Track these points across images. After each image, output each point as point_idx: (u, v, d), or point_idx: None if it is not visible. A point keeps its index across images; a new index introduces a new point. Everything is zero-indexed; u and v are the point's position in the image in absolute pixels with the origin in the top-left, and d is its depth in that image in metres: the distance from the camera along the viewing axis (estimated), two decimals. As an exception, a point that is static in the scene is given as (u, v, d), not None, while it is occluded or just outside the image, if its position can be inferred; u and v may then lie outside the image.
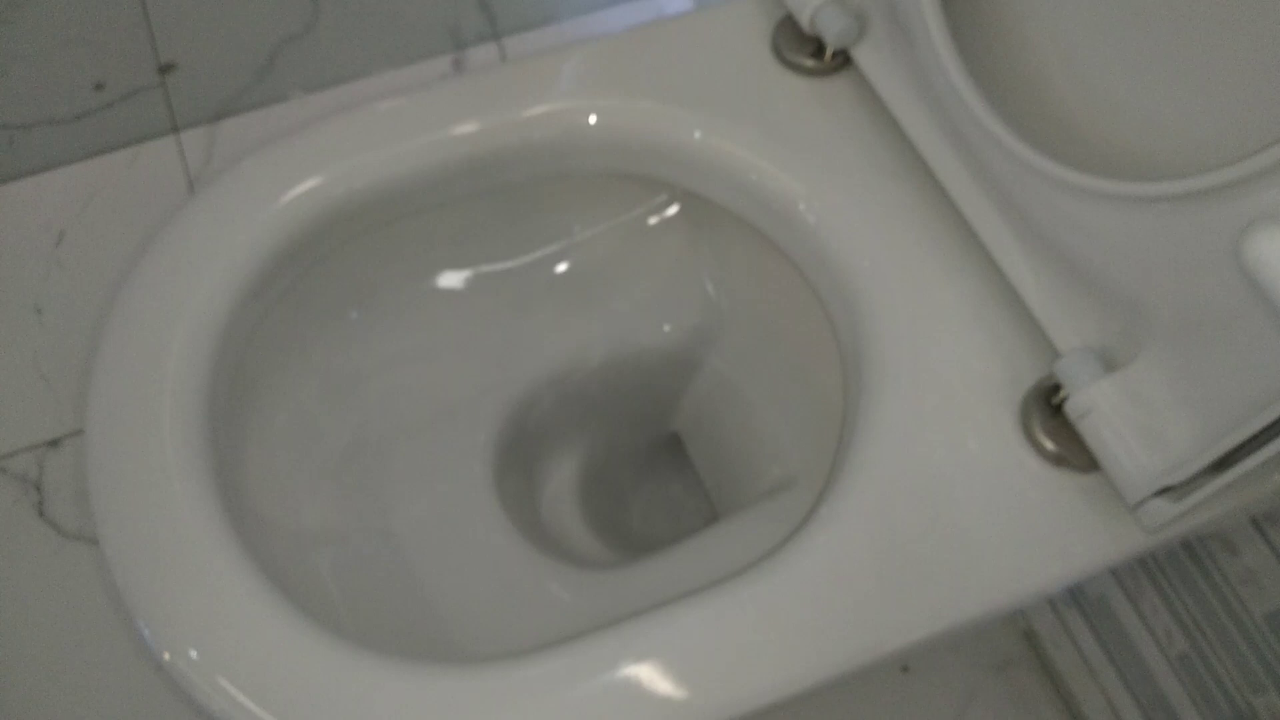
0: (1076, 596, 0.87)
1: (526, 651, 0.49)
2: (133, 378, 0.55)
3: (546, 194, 0.69)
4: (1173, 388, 0.49)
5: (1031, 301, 0.56)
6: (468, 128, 0.61)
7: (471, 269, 0.71)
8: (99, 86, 1.14)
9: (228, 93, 1.13)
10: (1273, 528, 0.66)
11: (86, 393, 0.55)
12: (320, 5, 1.19)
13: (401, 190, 0.61)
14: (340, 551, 0.64)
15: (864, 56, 0.63)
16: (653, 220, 0.73)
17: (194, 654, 0.49)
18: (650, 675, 0.48)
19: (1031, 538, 0.53)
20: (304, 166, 0.60)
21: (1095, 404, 0.51)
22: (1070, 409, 0.52)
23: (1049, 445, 0.54)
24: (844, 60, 0.65)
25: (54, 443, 0.97)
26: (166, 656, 0.49)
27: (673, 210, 0.73)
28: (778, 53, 0.65)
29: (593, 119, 0.63)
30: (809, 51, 0.65)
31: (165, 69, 1.15)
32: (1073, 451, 0.54)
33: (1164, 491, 0.49)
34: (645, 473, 0.84)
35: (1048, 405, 0.55)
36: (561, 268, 0.73)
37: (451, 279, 0.71)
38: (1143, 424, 0.50)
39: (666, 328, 0.75)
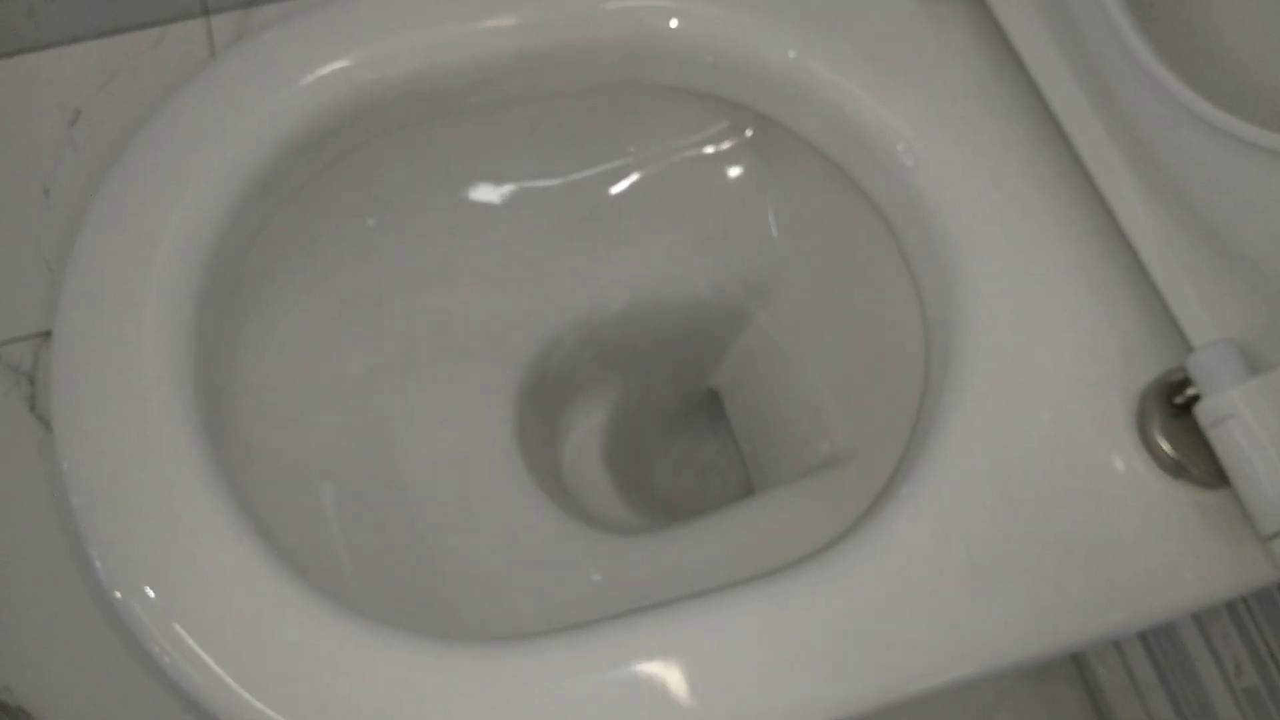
0: (1138, 611, 0.79)
1: (535, 635, 0.41)
2: (113, 273, 0.47)
3: (604, 105, 0.60)
4: (1336, 400, 0.41)
5: (1162, 279, 0.47)
6: (525, 16, 0.52)
7: (510, 184, 0.63)
8: (128, -44, 1.05)
9: (263, -24, 1.05)
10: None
11: (59, 286, 0.48)
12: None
13: (443, 83, 0.52)
14: (340, 491, 0.57)
15: (990, -26, 0.54)
16: (718, 147, 0.64)
17: (150, 593, 0.42)
18: (676, 679, 0.40)
19: (1136, 558, 0.45)
20: (333, 44, 0.51)
21: (1235, 410, 0.43)
22: (1201, 412, 0.44)
23: (1168, 450, 0.46)
24: (966, -23, 0.55)
25: (49, 334, 0.91)
26: (118, 595, 0.42)
27: (743, 138, 0.64)
28: (887, -36, 0.56)
29: (674, 23, 0.54)
30: (925, -36, 0.56)
31: (199, -57, 1.06)
32: (1196, 461, 0.45)
33: (1309, 523, 0.41)
34: (678, 429, 0.77)
35: (1171, 404, 0.47)
36: (612, 190, 0.64)
37: (485, 193, 0.62)
38: (1293, 441, 0.42)
39: (719, 272, 0.67)
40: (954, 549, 0.45)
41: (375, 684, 0.41)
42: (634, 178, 0.64)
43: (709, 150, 0.64)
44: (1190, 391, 0.45)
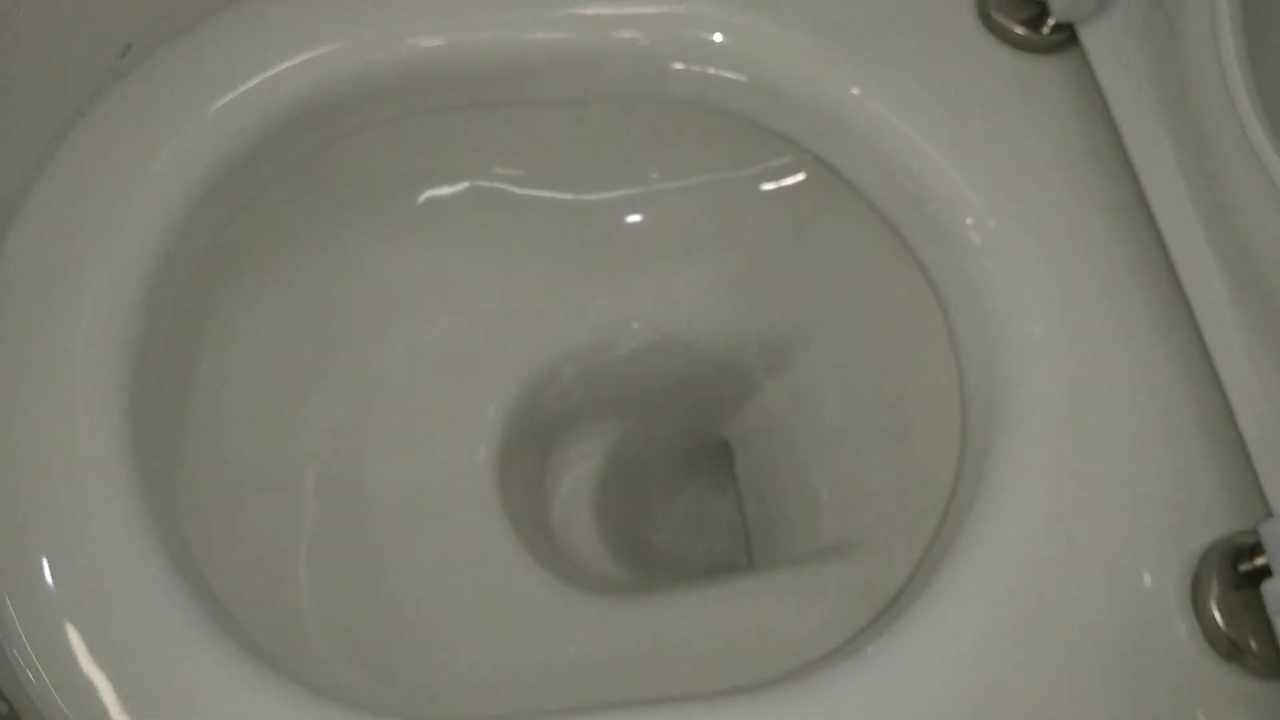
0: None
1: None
2: (47, 274, 0.41)
3: (636, 121, 0.54)
4: None
5: (1250, 427, 0.41)
6: (555, 10, 0.46)
7: (517, 189, 0.56)
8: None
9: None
10: None
11: None
12: None
13: (456, 72, 0.46)
14: (301, 530, 0.52)
15: (1096, 38, 0.47)
16: (761, 187, 0.57)
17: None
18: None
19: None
20: (339, 11, 0.45)
21: (1313, 597, 0.36)
22: (1270, 591, 0.38)
23: (1222, 625, 0.39)
24: (1067, 37, 0.49)
25: None
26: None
27: (791, 180, 0.58)
28: (982, 9, 0.49)
29: (717, 36, 0.47)
30: (1024, 16, 0.49)
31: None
32: (1253, 645, 0.39)
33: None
34: (680, 480, 0.71)
35: (1234, 571, 0.40)
36: (632, 217, 0.58)
37: (487, 198, 0.56)
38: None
39: (744, 322, 0.61)
40: (965, 694, 0.39)
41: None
42: (660, 206, 0.57)
43: (749, 188, 0.58)
44: (1259, 561, 0.39)
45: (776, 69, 0.47)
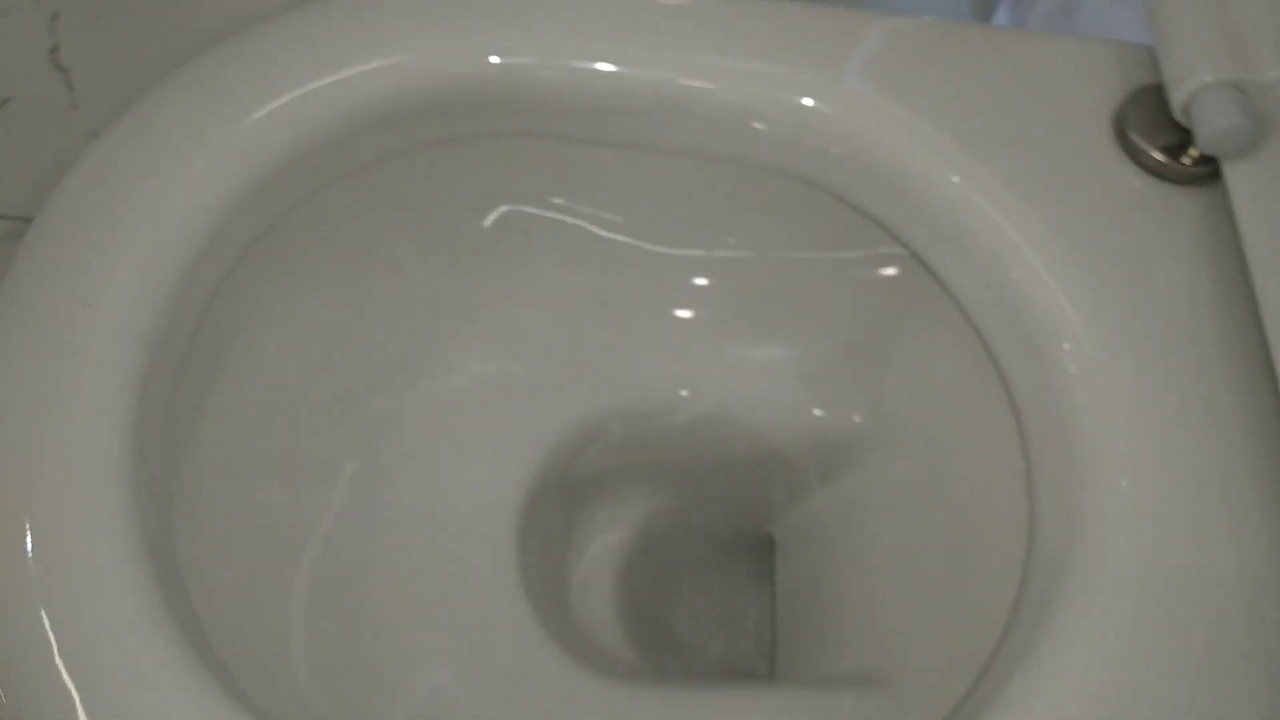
0: None
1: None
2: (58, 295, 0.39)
3: (717, 178, 0.51)
4: None
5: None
6: (631, 47, 0.44)
7: (587, 226, 0.53)
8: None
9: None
10: None
11: None
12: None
13: (546, 99, 0.45)
14: (303, 576, 0.49)
15: (1242, 177, 0.43)
16: (849, 275, 0.54)
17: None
18: None
19: None
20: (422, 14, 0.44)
21: None
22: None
23: None
24: (1209, 171, 0.45)
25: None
26: None
27: (882, 272, 0.54)
28: (1119, 126, 0.46)
29: (808, 100, 0.44)
30: (1164, 141, 0.45)
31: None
32: None
33: None
34: (713, 568, 0.66)
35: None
36: (700, 280, 0.55)
37: (553, 232, 0.52)
38: None
39: (808, 416, 0.57)
40: None
41: None
42: (734, 274, 0.54)
43: (833, 272, 0.54)
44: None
45: (868, 141, 0.44)
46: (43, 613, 0.34)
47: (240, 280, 0.44)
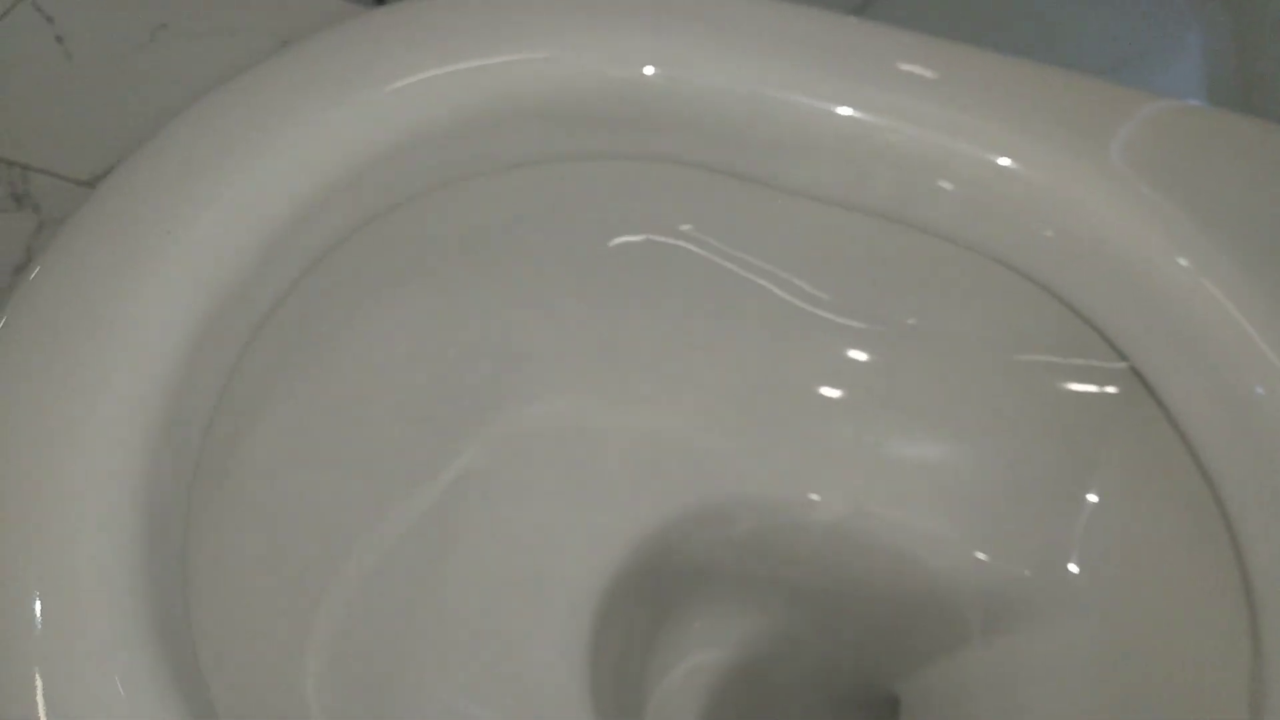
0: None
1: None
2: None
3: (894, 243, 0.42)
4: None
5: None
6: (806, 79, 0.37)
7: (724, 262, 0.45)
8: None
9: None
10: None
11: None
12: None
13: (718, 125, 0.39)
14: (332, 594, 0.41)
15: None
16: (1041, 380, 0.44)
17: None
18: None
19: None
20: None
21: None
22: None
23: None
24: None
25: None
26: None
27: (1084, 388, 0.44)
28: None
29: (1004, 160, 0.37)
30: None
31: None
32: None
33: None
34: (821, 714, 0.55)
35: None
36: (857, 355, 0.46)
37: (680, 263, 0.44)
38: None
39: (979, 554, 0.46)
40: None
41: None
42: (899, 357, 0.45)
43: (1024, 378, 0.44)
44: None
45: (1073, 216, 0.35)
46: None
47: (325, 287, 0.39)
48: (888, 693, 0.53)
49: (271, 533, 0.40)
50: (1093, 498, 0.44)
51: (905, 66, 0.39)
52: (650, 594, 0.47)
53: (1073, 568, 0.45)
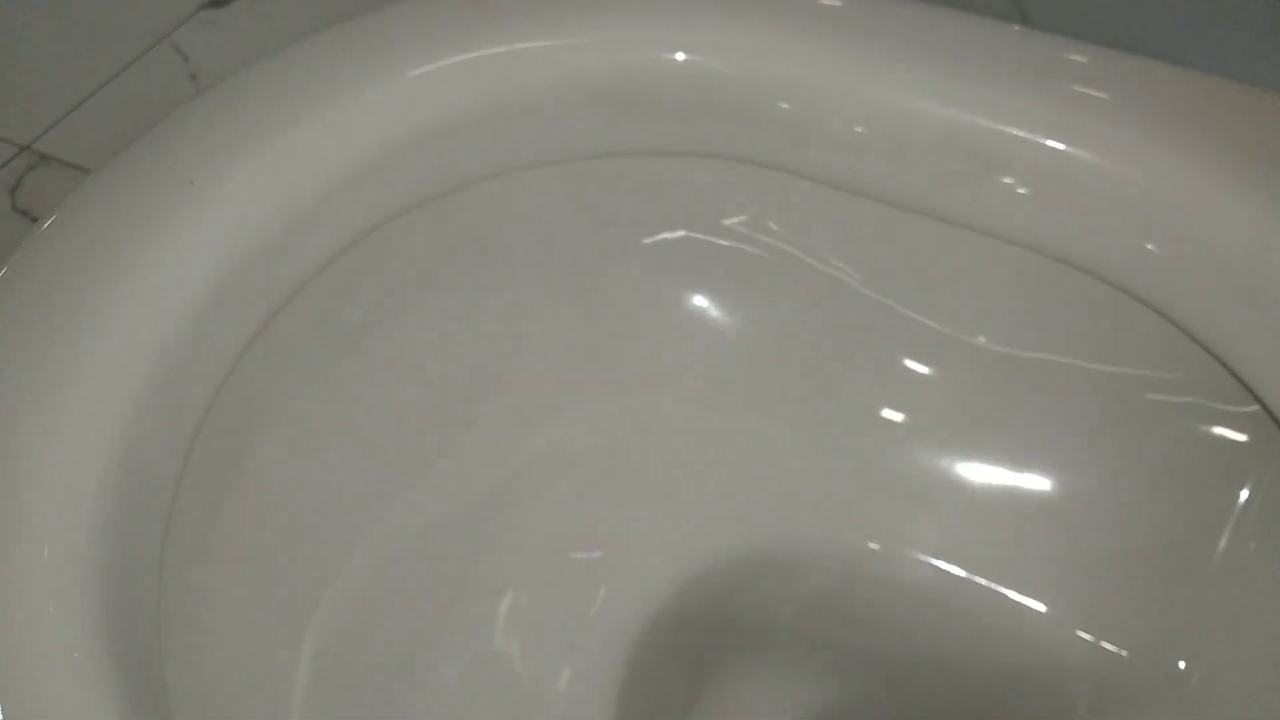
0: None
1: None
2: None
3: (959, 251, 0.36)
4: None
5: None
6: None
7: (787, 248, 0.39)
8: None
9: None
10: None
11: None
12: None
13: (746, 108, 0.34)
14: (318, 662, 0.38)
15: None
16: (1162, 419, 0.36)
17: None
18: None
19: None
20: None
21: None
22: None
23: None
24: None
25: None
26: None
27: (1215, 430, 0.36)
28: None
29: (1137, 173, 0.31)
30: None
31: None
32: None
33: None
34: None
35: None
36: (919, 368, 0.38)
37: (735, 261, 0.39)
38: None
39: (1081, 634, 0.39)
40: None
41: None
42: (974, 372, 0.38)
43: (1144, 415, 0.37)
44: None
45: (1207, 233, 0.29)
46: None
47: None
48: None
49: (270, 558, 0.38)
50: (1219, 562, 0.36)
51: (996, 58, 0.34)
52: (679, 660, 0.41)
53: (1181, 664, 0.36)
